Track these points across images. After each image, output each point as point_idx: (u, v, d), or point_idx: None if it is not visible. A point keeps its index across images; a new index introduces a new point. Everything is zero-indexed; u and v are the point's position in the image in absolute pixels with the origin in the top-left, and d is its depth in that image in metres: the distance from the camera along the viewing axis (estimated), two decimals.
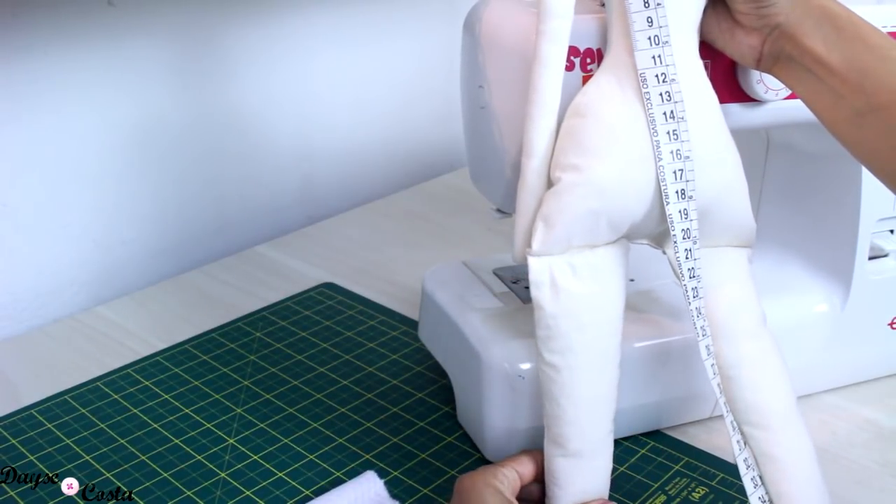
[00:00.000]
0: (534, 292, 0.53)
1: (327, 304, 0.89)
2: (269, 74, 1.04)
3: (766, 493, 0.55)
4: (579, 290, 0.53)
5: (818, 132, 0.56)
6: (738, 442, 0.55)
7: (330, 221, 1.10)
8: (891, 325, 0.73)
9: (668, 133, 0.51)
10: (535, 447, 0.66)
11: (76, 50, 0.87)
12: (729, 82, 0.58)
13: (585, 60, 0.54)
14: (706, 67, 0.55)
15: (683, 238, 0.52)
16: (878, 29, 0.51)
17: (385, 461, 0.67)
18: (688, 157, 0.51)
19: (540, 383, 0.55)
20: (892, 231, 0.73)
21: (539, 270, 0.53)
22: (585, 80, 0.54)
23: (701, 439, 0.69)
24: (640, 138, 0.51)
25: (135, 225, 0.96)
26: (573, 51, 0.53)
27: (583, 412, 0.54)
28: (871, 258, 0.72)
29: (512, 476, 0.55)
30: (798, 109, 0.56)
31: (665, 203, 0.52)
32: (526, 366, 0.63)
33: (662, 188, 0.52)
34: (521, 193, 0.54)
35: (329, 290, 0.92)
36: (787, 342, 0.58)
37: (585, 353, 0.53)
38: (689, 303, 0.53)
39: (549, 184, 0.53)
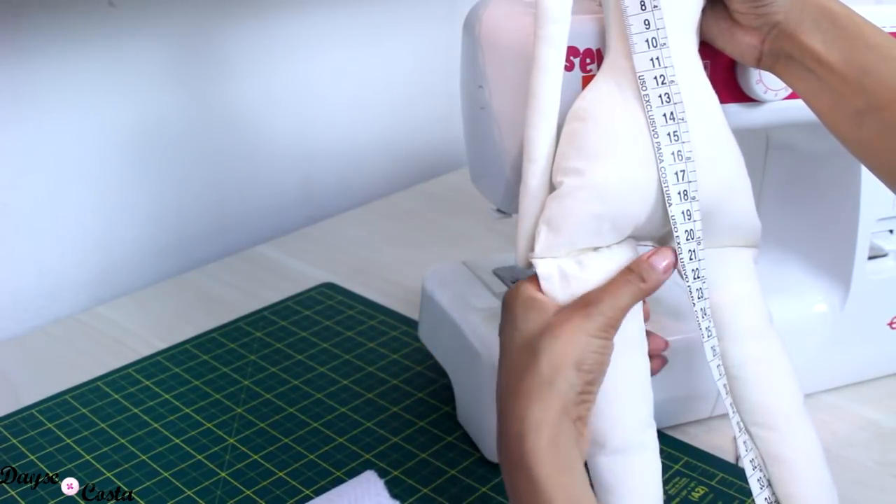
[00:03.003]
0: (545, 286, 0.52)
1: (327, 304, 0.89)
2: (269, 75, 1.04)
3: (773, 494, 0.55)
4: (589, 277, 0.52)
5: (818, 132, 0.56)
6: (744, 443, 0.55)
7: (330, 221, 1.10)
8: (890, 324, 0.73)
9: (669, 135, 0.51)
10: None
11: (77, 51, 0.87)
12: (728, 82, 0.58)
13: (585, 61, 0.54)
14: (706, 67, 0.55)
15: (687, 239, 0.52)
16: (879, 28, 0.51)
17: (385, 461, 0.67)
18: (689, 158, 0.51)
19: None
20: (891, 231, 0.73)
21: (546, 266, 0.52)
22: (585, 80, 0.54)
23: (701, 439, 0.69)
24: (641, 141, 0.51)
25: (135, 225, 0.97)
26: (573, 51, 0.53)
27: (614, 403, 0.52)
28: (870, 258, 0.72)
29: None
30: (797, 109, 0.56)
31: (668, 205, 0.52)
32: None
33: (664, 190, 0.51)
34: (524, 198, 0.53)
35: (329, 290, 0.92)
36: (786, 342, 0.58)
37: None
38: (694, 304, 0.53)
39: (551, 188, 0.53)
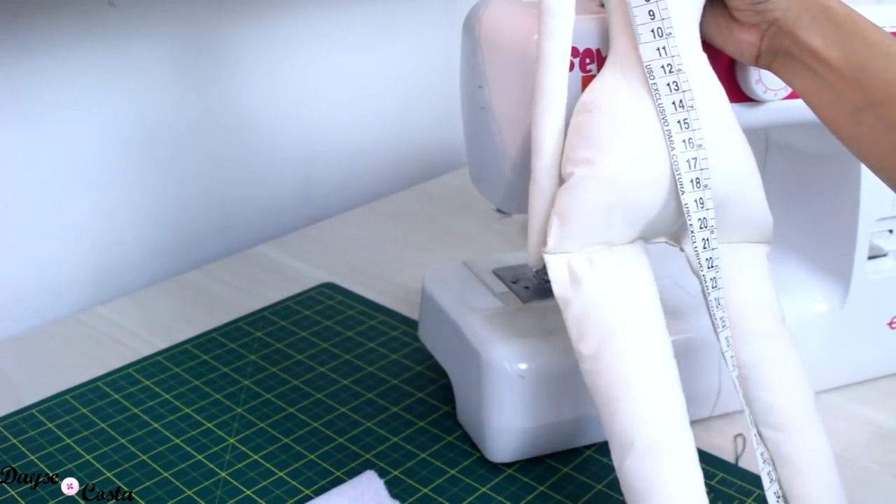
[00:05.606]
0: (556, 289, 0.52)
1: (327, 304, 0.89)
2: (269, 75, 1.04)
3: (781, 487, 0.55)
4: (601, 278, 0.52)
5: (817, 132, 0.56)
6: (755, 435, 0.54)
7: (330, 221, 1.10)
8: (890, 324, 0.73)
9: (679, 122, 0.51)
10: (536, 448, 0.66)
11: (77, 51, 0.87)
12: (728, 82, 0.58)
13: (585, 61, 0.54)
14: None
15: (700, 228, 0.52)
16: (877, 25, 0.51)
17: (385, 461, 0.67)
18: (700, 146, 0.51)
19: (587, 388, 0.52)
20: (891, 231, 0.73)
21: (557, 267, 0.52)
22: (585, 80, 0.54)
23: (701, 439, 0.69)
24: (650, 129, 0.51)
25: (135, 225, 0.97)
26: (573, 51, 0.53)
27: (639, 399, 0.50)
28: (870, 258, 0.72)
29: None
30: (797, 109, 0.56)
31: (680, 192, 0.51)
32: (526, 366, 0.63)
33: (677, 177, 0.51)
34: (533, 195, 0.53)
35: (329, 290, 0.92)
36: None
37: (626, 335, 0.50)
38: (708, 293, 0.52)
39: (561, 182, 0.53)
